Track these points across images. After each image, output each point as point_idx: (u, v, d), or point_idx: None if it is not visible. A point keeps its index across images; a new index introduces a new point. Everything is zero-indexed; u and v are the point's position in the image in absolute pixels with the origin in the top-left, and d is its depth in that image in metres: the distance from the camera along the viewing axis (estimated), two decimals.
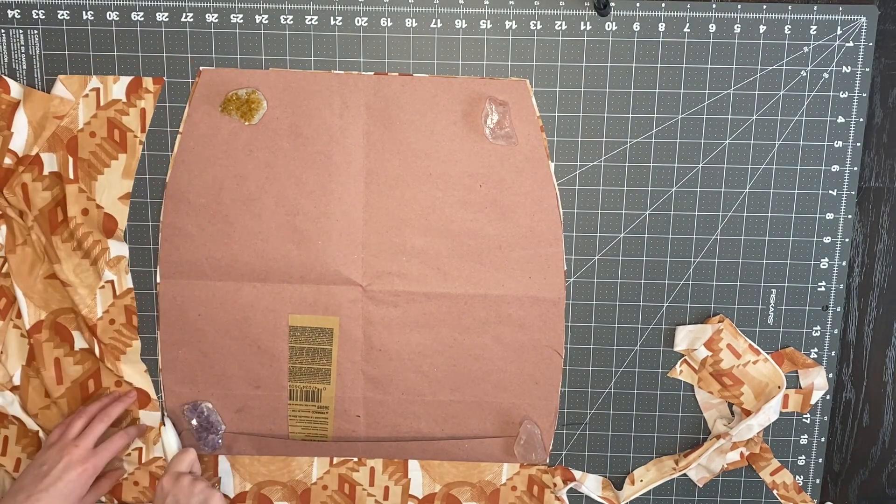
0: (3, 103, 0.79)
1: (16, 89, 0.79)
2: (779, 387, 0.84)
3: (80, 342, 0.84)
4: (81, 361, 0.85)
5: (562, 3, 0.79)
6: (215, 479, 0.87)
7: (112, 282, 0.83)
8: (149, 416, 0.86)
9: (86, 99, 0.80)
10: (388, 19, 0.79)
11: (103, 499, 0.87)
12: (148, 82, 0.80)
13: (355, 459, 0.87)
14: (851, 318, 0.86)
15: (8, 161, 0.80)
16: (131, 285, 0.84)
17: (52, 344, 0.84)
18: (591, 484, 0.87)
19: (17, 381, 0.85)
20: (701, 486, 0.87)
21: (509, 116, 0.79)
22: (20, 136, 0.79)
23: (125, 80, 0.80)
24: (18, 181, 0.80)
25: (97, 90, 0.80)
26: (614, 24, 0.79)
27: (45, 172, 0.81)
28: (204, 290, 0.83)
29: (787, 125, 0.81)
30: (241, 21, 0.79)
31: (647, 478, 0.87)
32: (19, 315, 0.83)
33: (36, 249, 0.82)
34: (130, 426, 0.85)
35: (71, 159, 0.80)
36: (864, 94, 0.80)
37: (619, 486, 0.88)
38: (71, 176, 0.80)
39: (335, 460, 0.87)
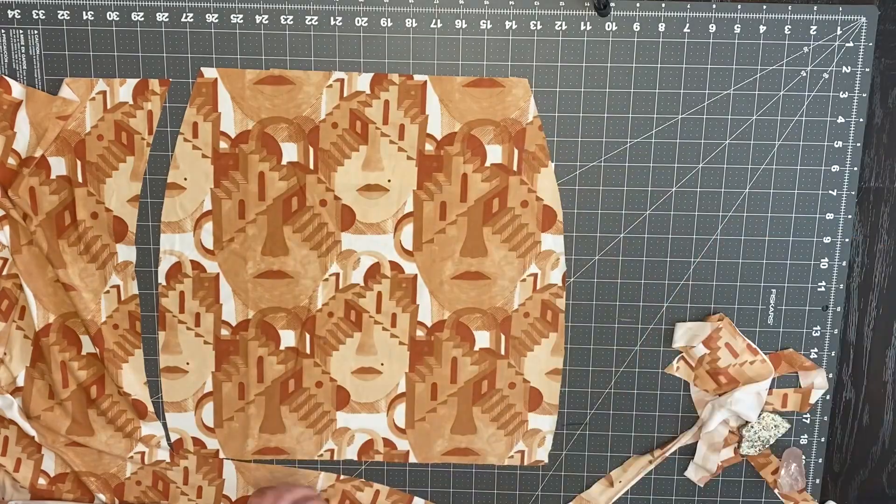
0: (4, 103, 0.79)
1: (17, 90, 0.79)
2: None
3: (87, 346, 0.84)
4: (87, 367, 0.85)
5: (562, 3, 0.79)
6: (219, 480, 0.87)
7: (118, 287, 0.83)
8: (148, 427, 0.86)
9: (92, 102, 0.80)
10: (388, 19, 0.79)
11: (104, 498, 0.87)
12: (154, 84, 0.79)
13: (362, 479, 0.87)
14: (851, 318, 0.86)
15: (11, 161, 0.80)
16: (136, 291, 0.83)
17: (59, 347, 0.84)
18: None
19: (20, 382, 0.85)
20: (702, 485, 0.87)
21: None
22: (23, 137, 0.79)
23: (132, 83, 0.79)
24: (25, 185, 0.80)
25: (104, 93, 0.80)
26: (614, 24, 0.79)
27: (53, 176, 0.80)
28: None
29: (787, 125, 0.81)
30: (241, 21, 0.79)
31: (624, 478, 0.87)
32: (22, 316, 0.83)
33: (42, 252, 0.82)
34: None
35: (79, 163, 0.80)
36: (864, 95, 0.80)
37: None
38: (79, 179, 0.80)
39: (342, 476, 0.87)
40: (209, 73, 0.79)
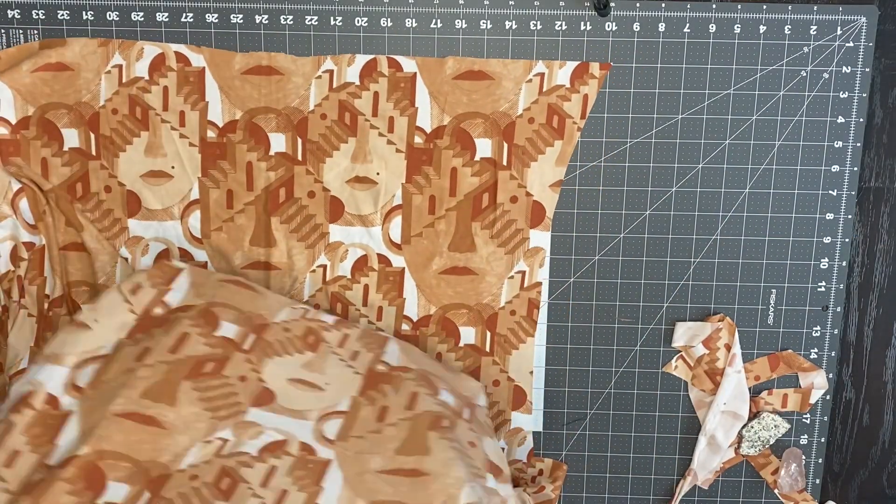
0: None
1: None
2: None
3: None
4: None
5: (562, 3, 0.79)
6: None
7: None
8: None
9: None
10: (388, 19, 0.79)
11: None
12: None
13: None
14: (851, 318, 0.86)
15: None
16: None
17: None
18: None
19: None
20: (706, 487, 0.87)
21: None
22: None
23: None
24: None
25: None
26: (614, 24, 0.79)
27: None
28: None
29: (787, 125, 0.81)
30: (241, 21, 0.79)
31: None
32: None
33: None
34: None
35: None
36: (864, 95, 0.80)
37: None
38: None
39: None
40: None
